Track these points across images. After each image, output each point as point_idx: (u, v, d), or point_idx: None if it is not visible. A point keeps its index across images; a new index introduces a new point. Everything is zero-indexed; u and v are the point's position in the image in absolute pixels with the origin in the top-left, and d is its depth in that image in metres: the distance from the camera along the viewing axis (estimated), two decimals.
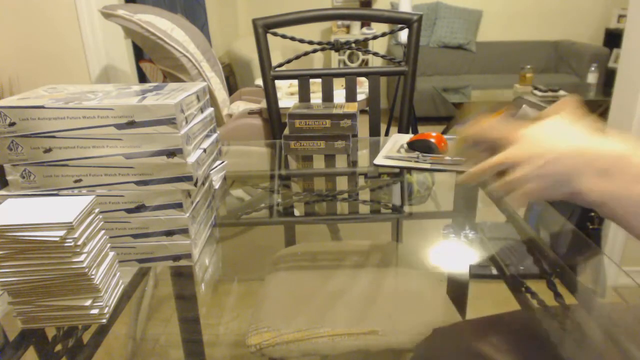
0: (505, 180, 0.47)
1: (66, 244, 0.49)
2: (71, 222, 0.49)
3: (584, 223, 1.80)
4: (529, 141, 0.47)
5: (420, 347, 0.53)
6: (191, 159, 0.65)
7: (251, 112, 2.02)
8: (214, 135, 0.80)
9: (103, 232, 0.55)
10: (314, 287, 0.64)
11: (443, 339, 0.54)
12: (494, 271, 0.65)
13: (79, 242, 0.50)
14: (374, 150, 1.12)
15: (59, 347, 0.52)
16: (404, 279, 0.65)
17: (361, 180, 0.97)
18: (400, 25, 1.32)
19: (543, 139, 0.46)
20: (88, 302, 0.52)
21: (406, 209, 0.85)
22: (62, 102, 0.61)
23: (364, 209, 0.85)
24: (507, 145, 0.48)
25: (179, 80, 2.03)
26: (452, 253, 0.71)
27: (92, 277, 0.52)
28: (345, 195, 0.90)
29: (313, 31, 4.73)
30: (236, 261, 0.74)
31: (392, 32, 1.35)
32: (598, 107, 3.74)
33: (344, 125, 1.05)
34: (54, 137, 0.61)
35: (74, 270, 0.51)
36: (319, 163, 1.06)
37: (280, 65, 1.38)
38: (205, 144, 0.73)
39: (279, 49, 3.77)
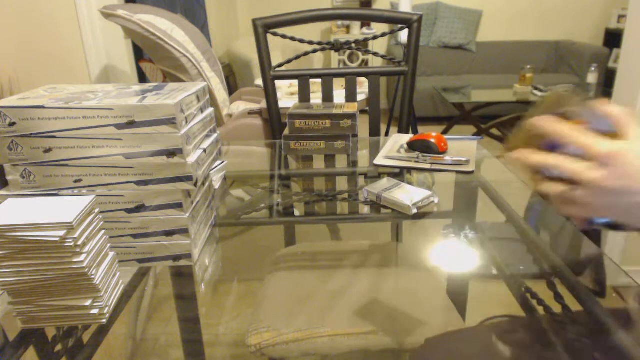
0: (570, 196, 0.47)
1: (66, 244, 0.49)
2: (71, 222, 0.49)
3: None
4: (618, 173, 0.45)
5: (414, 358, 0.53)
6: (191, 159, 0.65)
7: (251, 112, 2.02)
8: (214, 135, 0.80)
9: (103, 232, 0.55)
10: (314, 287, 0.64)
11: (436, 349, 0.54)
12: (494, 271, 0.65)
13: (79, 242, 0.50)
14: (374, 150, 1.12)
15: (59, 347, 0.52)
16: (404, 279, 0.65)
17: (361, 180, 0.97)
18: (400, 25, 1.32)
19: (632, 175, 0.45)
20: (88, 302, 0.52)
21: None
22: (62, 102, 0.61)
23: (364, 209, 0.85)
24: (586, 158, 0.47)
25: (179, 80, 2.03)
26: (452, 253, 0.71)
27: (92, 277, 0.52)
28: (345, 195, 0.90)
29: (313, 31, 4.72)
30: (236, 261, 0.73)
31: (392, 32, 1.35)
32: None
33: (344, 125, 1.05)
34: (54, 137, 0.61)
35: (74, 270, 0.51)
36: (319, 163, 1.06)
37: (280, 65, 1.38)
38: (205, 144, 0.73)
39: (279, 49, 3.77)
